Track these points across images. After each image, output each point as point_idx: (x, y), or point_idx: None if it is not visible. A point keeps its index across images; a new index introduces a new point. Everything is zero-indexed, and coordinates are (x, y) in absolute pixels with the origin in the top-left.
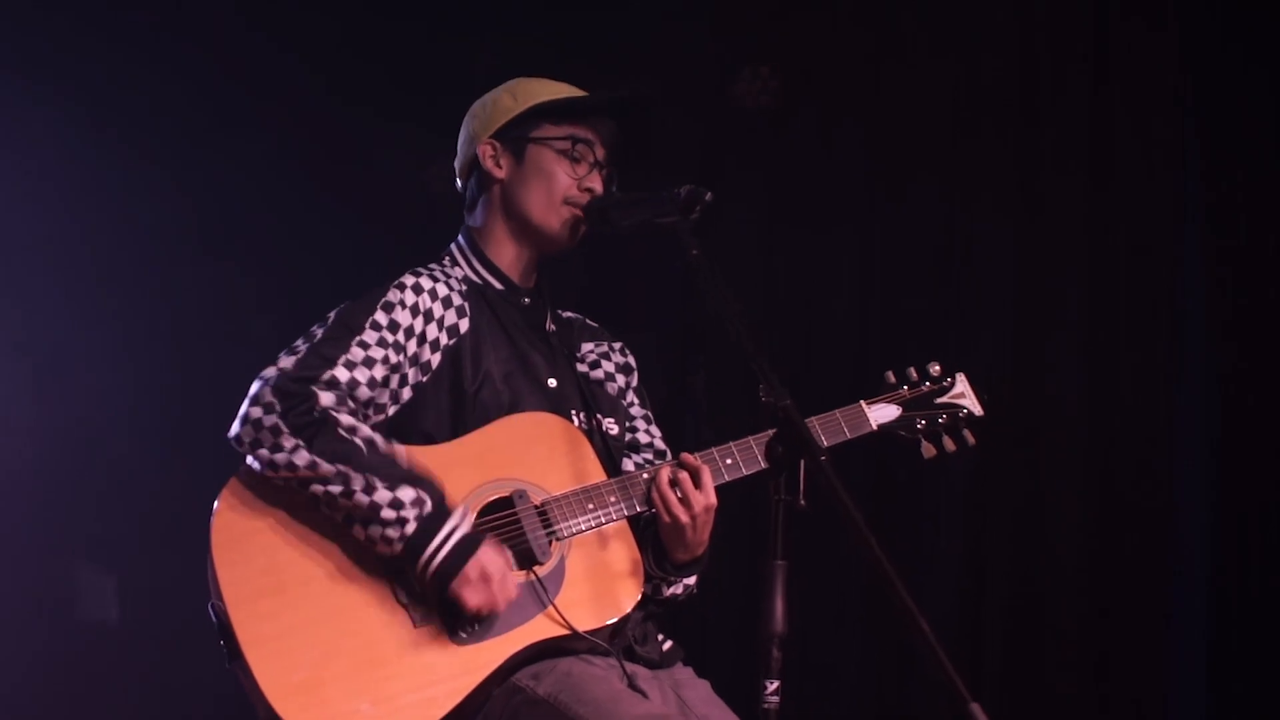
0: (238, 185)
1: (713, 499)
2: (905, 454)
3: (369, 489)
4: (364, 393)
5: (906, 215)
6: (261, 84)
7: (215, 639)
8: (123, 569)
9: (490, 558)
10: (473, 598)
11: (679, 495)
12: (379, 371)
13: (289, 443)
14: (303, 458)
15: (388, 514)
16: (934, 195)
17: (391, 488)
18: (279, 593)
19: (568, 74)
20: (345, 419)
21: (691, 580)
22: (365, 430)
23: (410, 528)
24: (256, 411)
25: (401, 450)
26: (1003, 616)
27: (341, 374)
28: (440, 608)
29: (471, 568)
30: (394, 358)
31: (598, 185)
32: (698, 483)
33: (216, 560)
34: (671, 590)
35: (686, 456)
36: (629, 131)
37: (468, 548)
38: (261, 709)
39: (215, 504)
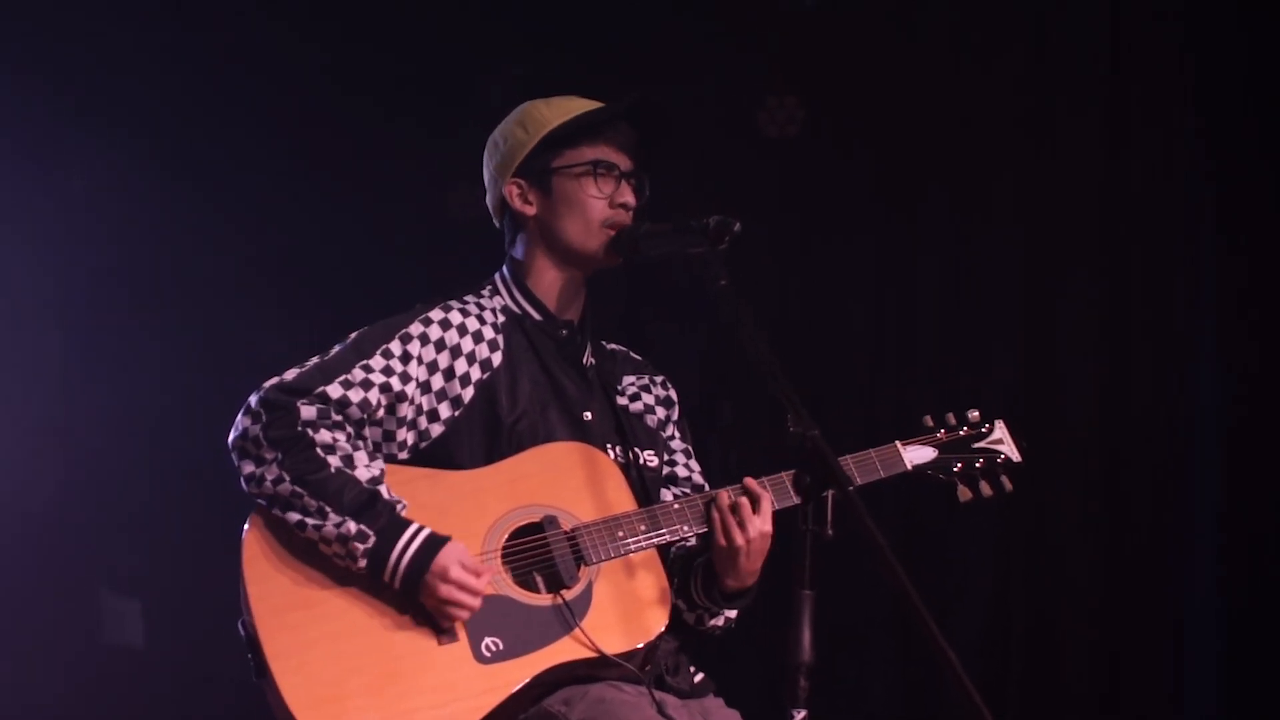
0: (266, 213)
1: (769, 527)
2: (936, 492)
3: (321, 518)
4: (354, 412)
5: (917, 231)
6: (282, 105)
7: (240, 659)
8: (146, 593)
9: (450, 555)
10: (441, 590)
11: (737, 519)
12: (374, 395)
13: (268, 454)
14: (273, 472)
15: (338, 549)
16: (944, 210)
17: (339, 522)
18: (305, 607)
19: (577, 85)
20: (324, 435)
21: (733, 614)
22: (345, 447)
23: (362, 563)
24: (245, 421)
25: (403, 471)
26: (1023, 639)
27: (334, 391)
28: (424, 613)
29: (431, 576)
30: (397, 386)
31: (629, 197)
32: (757, 508)
33: (246, 576)
34: (713, 622)
35: (750, 481)
36: (646, 131)
37: (423, 561)
38: None
39: (247, 522)
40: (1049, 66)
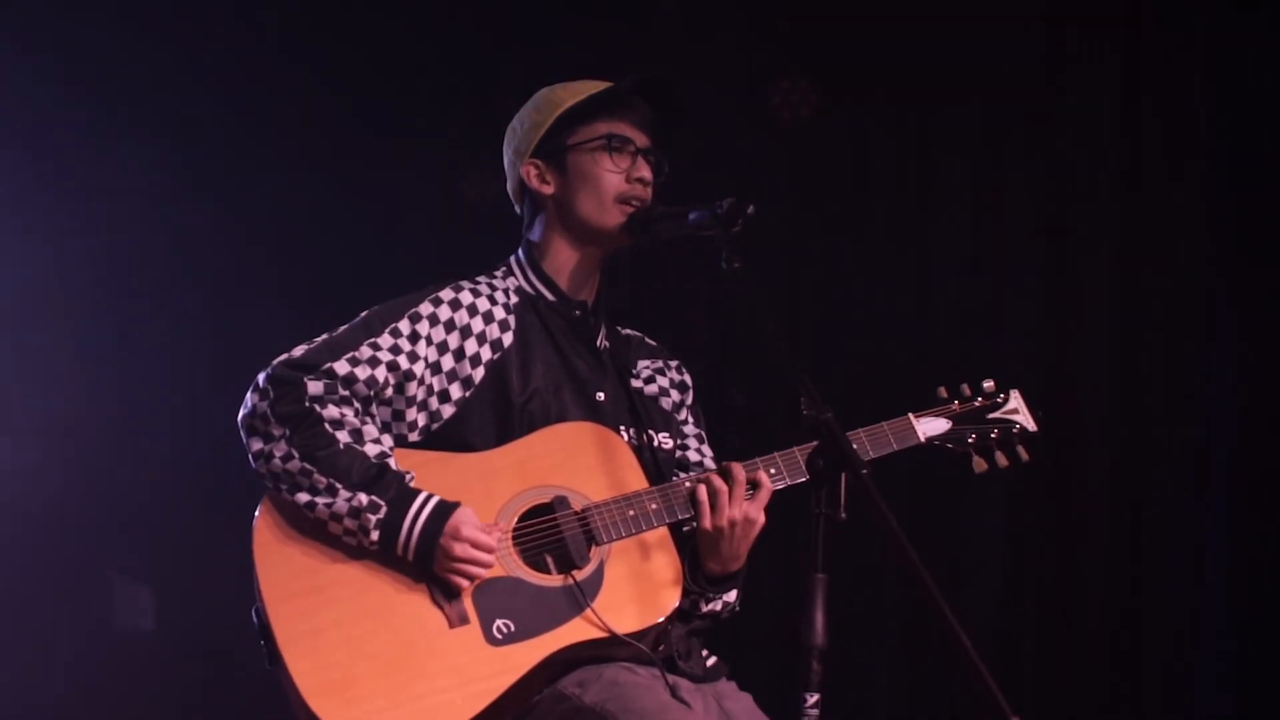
0: (272, 208)
1: (755, 514)
2: (949, 465)
3: (331, 495)
4: (361, 389)
5: (933, 228)
6: (293, 91)
7: (251, 647)
8: (157, 579)
9: (461, 517)
10: (456, 549)
11: (717, 503)
12: (381, 373)
13: (276, 431)
14: (281, 449)
15: (350, 524)
16: (960, 208)
17: (350, 496)
18: (316, 593)
19: (587, 74)
20: (331, 411)
21: (731, 597)
22: (353, 422)
23: (374, 535)
24: (253, 398)
25: (413, 455)
26: (1035, 630)
27: (341, 368)
28: (440, 582)
29: (445, 538)
30: (404, 365)
31: (646, 173)
32: (734, 494)
33: (257, 562)
34: (710, 606)
35: (733, 466)
36: (661, 111)
37: (435, 526)
38: (297, 707)
39: (258, 508)
40: (1066, 50)
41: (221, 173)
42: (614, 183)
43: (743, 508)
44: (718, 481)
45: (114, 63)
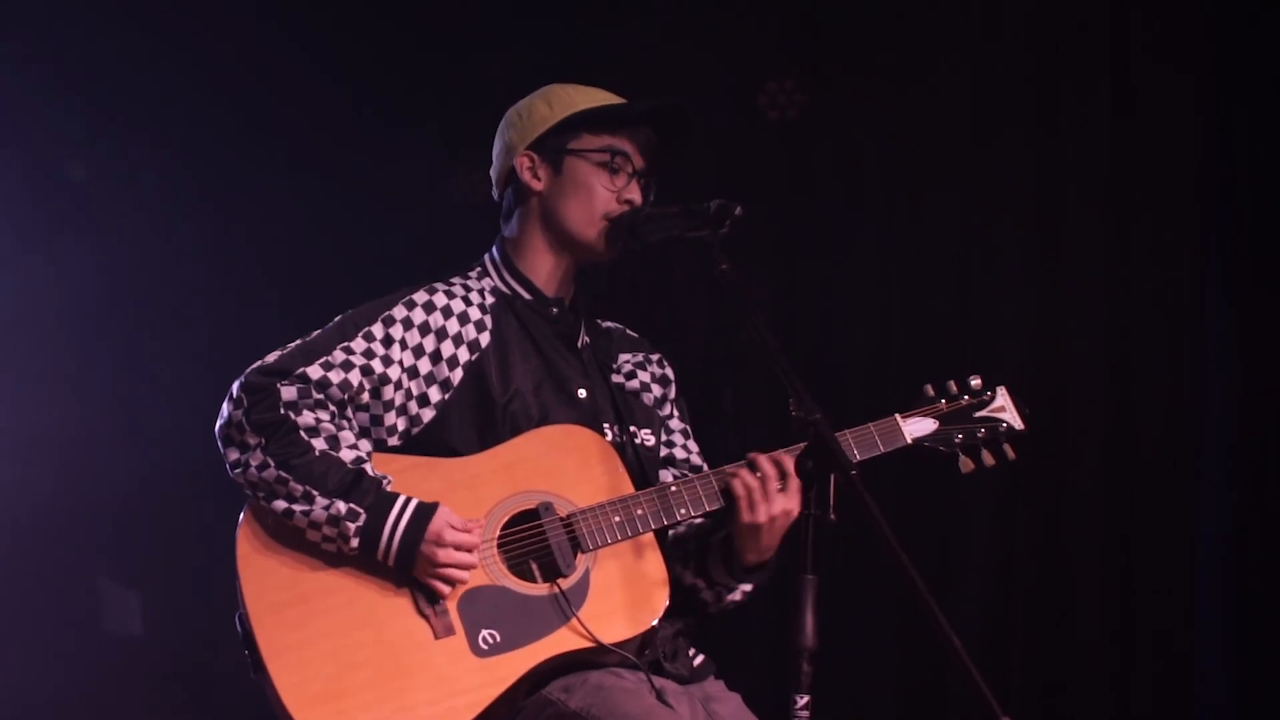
0: (265, 211)
1: (793, 505)
2: (937, 465)
3: (308, 503)
4: (335, 393)
5: (926, 226)
6: (281, 90)
7: (240, 650)
8: (146, 582)
9: (440, 522)
10: (440, 555)
11: (765, 495)
12: (355, 377)
13: (252, 440)
14: (257, 458)
15: (329, 531)
16: (954, 206)
17: (328, 504)
18: (301, 603)
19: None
20: (306, 417)
21: (749, 587)
22: (329, 428)
23: (354, 543)
24: (228, 407)
25: (396, 460)
26: (1027, 629)
27: (314, 372)
28: (424, 591)
29: (426, 545)
30: (379, 368)
31: (636, 196)
32: (784, 485)
33: (241, 571)
34: (731, 597)
35: (779, 455)
36: (666, 137)
37: (415, 533)
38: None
39: (241, 515)
40: (1061, 65)
41: (207, 179)
42: (605, 199)
43: (781, 501)
44: (754, 475)
45: (106, 67)
